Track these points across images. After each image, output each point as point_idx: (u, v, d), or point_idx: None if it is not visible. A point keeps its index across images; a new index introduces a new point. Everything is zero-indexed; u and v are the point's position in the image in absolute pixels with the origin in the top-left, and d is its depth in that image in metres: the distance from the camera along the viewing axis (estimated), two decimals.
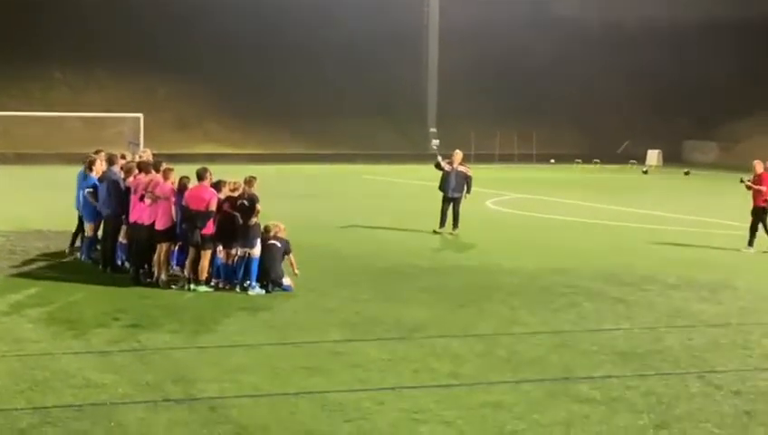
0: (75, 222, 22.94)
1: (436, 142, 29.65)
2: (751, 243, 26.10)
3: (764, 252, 25.77)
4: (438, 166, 28.99)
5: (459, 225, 28.41)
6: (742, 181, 26.77)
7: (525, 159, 69.48)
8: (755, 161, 26.82)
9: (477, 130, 67.86)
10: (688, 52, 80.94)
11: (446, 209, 28.55)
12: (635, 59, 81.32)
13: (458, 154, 29.20)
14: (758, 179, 26.13)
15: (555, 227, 31.75)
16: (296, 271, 19.40)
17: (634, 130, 75.26)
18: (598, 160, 68.62)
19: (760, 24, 78.35)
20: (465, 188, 28.58)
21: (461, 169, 28.68)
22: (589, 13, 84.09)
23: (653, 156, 70.11)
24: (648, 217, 34.87)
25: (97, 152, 22.50)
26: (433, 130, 74.82)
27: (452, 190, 28.48)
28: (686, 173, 61.83)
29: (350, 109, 75.24)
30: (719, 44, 79.78)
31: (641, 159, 68.83)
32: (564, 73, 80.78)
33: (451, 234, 28.18)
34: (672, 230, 30.77)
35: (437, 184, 29.00)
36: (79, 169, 22.83)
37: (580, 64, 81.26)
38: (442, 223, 28.52)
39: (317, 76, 76.74)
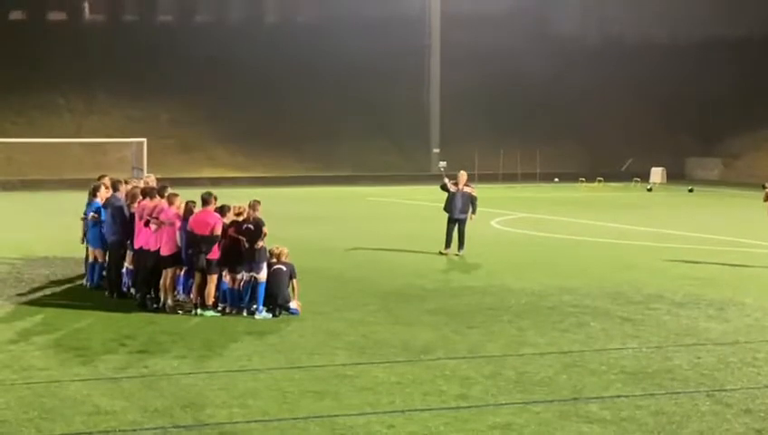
0: (82, 248, 22.92)
1: (443, 164, 29.89)
2: None
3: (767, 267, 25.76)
4: (444, 187, 28.97)
5: (465, 246, 28.40)
6: (764, 187, 26.63)
7: (529, 178, 69.44)
8: None
9: (480, 150, 67.86)
10: (689, 68, 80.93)
11: (452, 230, 28.50)
12: (636, 75, 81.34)
13: (463, 175, 29.19)
14: None
15: (561, 246, 31.73)
16: (297, 298, 19.35)
17: (637, 147, 75.18)
18: (602, 178, 68.59)
19: (759, 41, 78.46)
20: (471, 208, 28.60)
21: (466, 189, 28.68)
22: (589, 30, 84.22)
23: (657, 173, 70.05)
24: (653, 234, 34.83)
25: (101, 178, 22.50)
26: (436, 150, 74.80)
27: (458, 212, 28.45)
28: (690, 190, 61.74)
29: (353, 131, 75.30)
30: (719, 61, 79.81)
31: (645, 177, 68.76)
32: (566, 91, 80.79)
33: (457, 255, 28.16)
34: (678, 248, 30.74)
35: (442, 205, 29.00)
36: (83, 195, 22.82)
37: (582, 82, 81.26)
38: (448, 244, 28.49)
39: (320, 99, 76.80)
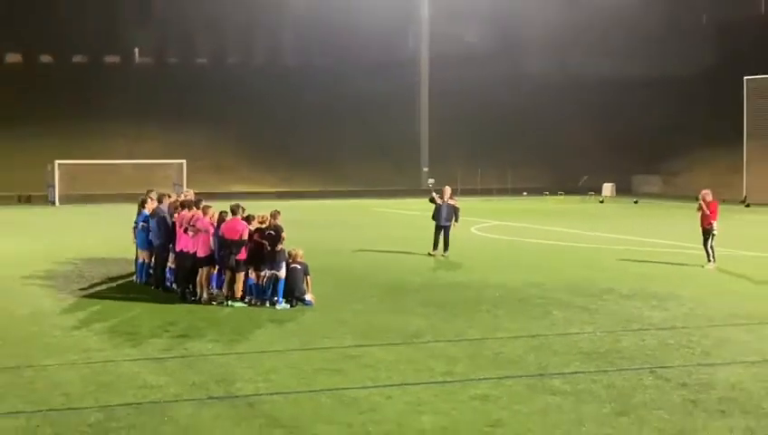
0: (132, 250, 22.89)
1: (431, 181, 29.87)
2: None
3: (701, 266, 25.68)
4: (432, 200, 29.03)
5: (449, 249, 28.39)
6: (697, 199, 26.43)
7: (503, 192, 69.49)
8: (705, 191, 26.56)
9: (462, 169, 67.87)
10: (635, 101, 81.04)
11: (438, 235, 28.51)
12: (591, 107, 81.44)
13: (447, 189, 29.22)
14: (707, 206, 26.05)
15: (529, 249, 31.71)
16: (310, 291, 19.32)
17: (592, 166, 75.17)
18: (562, 192, 68.61)
19: (690, 80, 78.64)
20: (455, 217, 28.62)
21: (450, 201, 28.71)
22: (553, 70, 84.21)
23: (608, 188, 69.98)
24: (605, 238, 34.79)
25: (148, 192, 22.50)
26: (426, 169, 74.88)
27: (443, 220, 28.46)
28: (636, 202, 61.77)
29: (358, 153, 75.36)
30: (660, 95, 79.94)
31: (598, 191, 68.77)
32: (534, 120, 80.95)
33: (443, 256, 28.15)
34: (625, 250, 30.70)
35: (429, 213, 29.02)
36: (134, 207, 22.80)
37: (547, 113, 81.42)
38: (435, 247, 28.48)
39: (330, 126, 76.92)
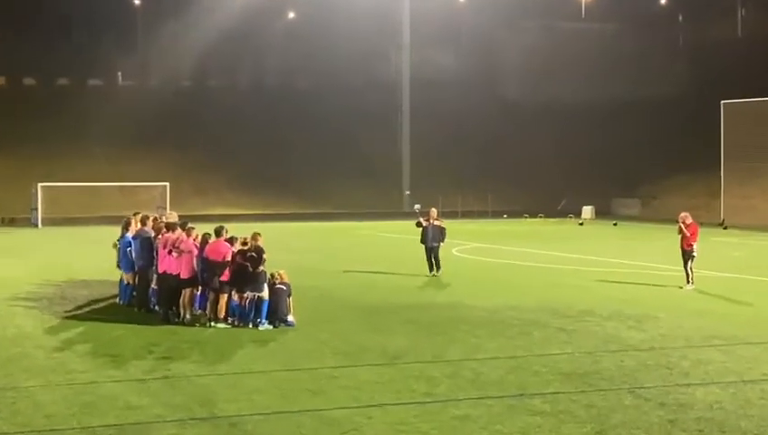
0: (116, 273, 22.81)
1: (417, 206, 30.02)
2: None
3: (679, 287, 25.80)
4: (419, 224, 29.37)
5: (441, 268, 28.73)
6: (677, 222, 26.53)
7: (482, 214, 69.54)
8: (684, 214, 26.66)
9: (443, 192, 67.89)
10: (612, 125, 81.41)
11: (430, 256, 28.81)
12: (569, 131, 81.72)
13: (433, 211, 29.63)
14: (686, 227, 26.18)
15: (509, 270, 31.78)
16: (293, 312, 19.32)
17: (571, 189, 75.42)
18: (542, 215, 68.74)
19: (666, 103, 78.99)
20: (441, 237, 28.81)
21: (436, 223, 29.02)
22: (530, 95, 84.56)
23: (587, 211, 70.18)
24: (584, 260, 34.87)
25: (135, 214, 22.46)
26: (407, 192, 74.98)
27: (430, 241, 28.81)
28: (615, 224, 61.96)
29: (340, 175, 75.33)
30: (638, 119, 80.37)
31: (578, 214, 68.92)
32: (513, 144, 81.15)
33: (435, 275, 28.39)
34: (604, 271, 30.81)
35: (413, 237, 29.15)
36: (118, 229, 22.74)
37: (526, 136, 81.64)
38: (430, 268, 28.77)
39: (312, 149, 76.90)
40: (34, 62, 78.26)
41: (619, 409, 12.75)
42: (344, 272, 30.35)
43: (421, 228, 29.04)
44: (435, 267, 28.59)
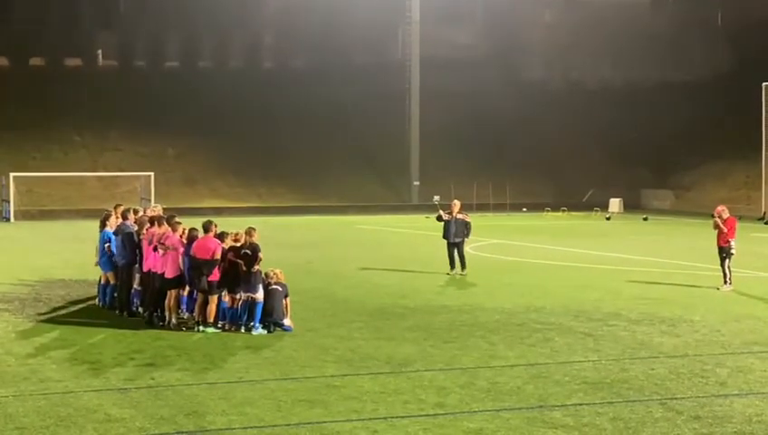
0: (96, 272, 22.84)
1: (436, 198, 30.16)
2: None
3: (716, 288, 25.76)
4: (440, 218, 29.38)
5: (466, 266, 28.80)
6: (713, 216, 26.48)
7: (500, 208, 69.56)
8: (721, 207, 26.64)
9: (456, 182, 67.98)
10: (643, 110, 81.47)
11: (452, 253, 28.93)
12: (596, 116, 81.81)
13: (456, 204, 29.70)
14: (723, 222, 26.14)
15: (529, 269, 31.76)
16: (289, 316, 19.34)
17: (597, 180, 75.50)
18: (565, 208, 68.80)
19: (704, 85, 79.00)
20: (466, 232, 28.86)
21: (459, 216, 29.06)
22: (553, 75, 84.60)
23: (615, 203, 70.28)
24: (611, 259, 34.87)
25: (116, 207, 22.47)
26: (416, 183, 75.02)
27: (453, 236, 28.86)
28: (645, 219, 61.94)
29: (341, 165, 75.46)
30: (670, 103, 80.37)
31: (604, 207, 68.98)
32: (533, 129, 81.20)
33: (461, 274, 28.47)
34: (633, 271, 30.80)
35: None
36: (97, 224, 22.75)
37: (548, 121, 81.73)
38: (452, 266, 28.88)
39: (311, 136, 76.99)
40: (3, 40, 78.27)
41: (649, 422, 12.74)
42: (345, 271, 30.35)
43: (443, 222, 29.09)
44: (459, 265, 28.71)
